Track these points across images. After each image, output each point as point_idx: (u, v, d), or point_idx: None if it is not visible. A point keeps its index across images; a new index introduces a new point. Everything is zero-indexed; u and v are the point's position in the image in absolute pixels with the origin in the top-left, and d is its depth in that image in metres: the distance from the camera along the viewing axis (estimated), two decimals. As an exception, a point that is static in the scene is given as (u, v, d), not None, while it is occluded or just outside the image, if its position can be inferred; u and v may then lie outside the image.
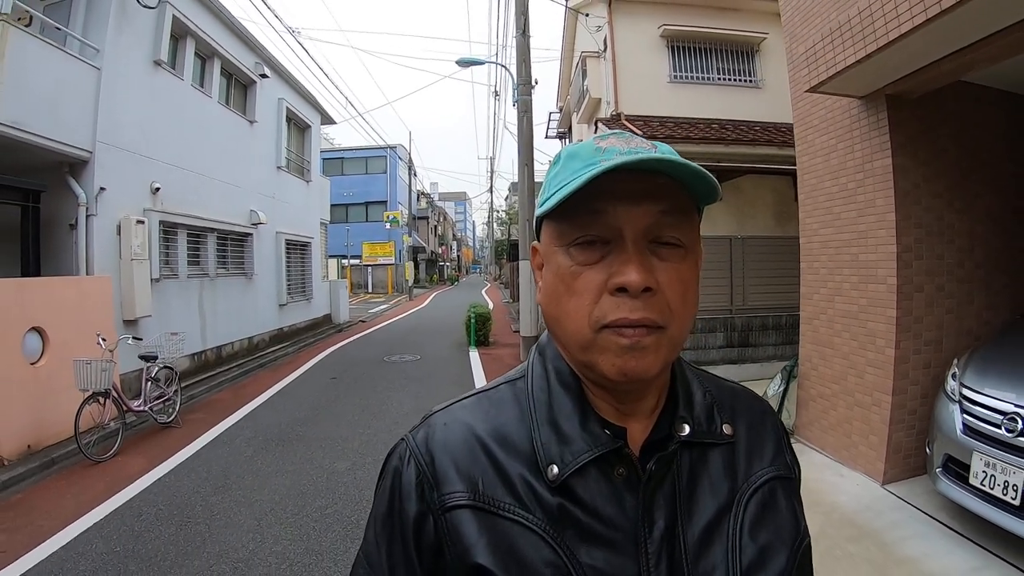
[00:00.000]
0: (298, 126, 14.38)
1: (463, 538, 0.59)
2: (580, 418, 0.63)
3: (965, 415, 3.28)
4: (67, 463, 5.36)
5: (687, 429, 0.64)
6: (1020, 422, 2.92)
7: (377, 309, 22.16)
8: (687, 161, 0.55)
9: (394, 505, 0.65)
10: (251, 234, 10.92)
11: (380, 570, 0.65)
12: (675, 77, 10.31)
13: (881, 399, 4.05)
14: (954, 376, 3.55)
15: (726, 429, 0.67)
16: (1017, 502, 2.86)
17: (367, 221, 35.45)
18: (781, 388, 5.33)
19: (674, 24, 10.22)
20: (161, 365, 6.29)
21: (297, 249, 13.67)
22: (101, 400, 5.42)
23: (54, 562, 3.51)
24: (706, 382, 0.72)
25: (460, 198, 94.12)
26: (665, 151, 0.57)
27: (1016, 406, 2.99)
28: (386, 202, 36.02)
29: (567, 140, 18.41)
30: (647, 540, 0.59)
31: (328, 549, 3.60)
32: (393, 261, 34.30)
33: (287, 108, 13.10)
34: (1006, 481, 2.91)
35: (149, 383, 6.07)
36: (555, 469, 0.60)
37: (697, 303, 0.62)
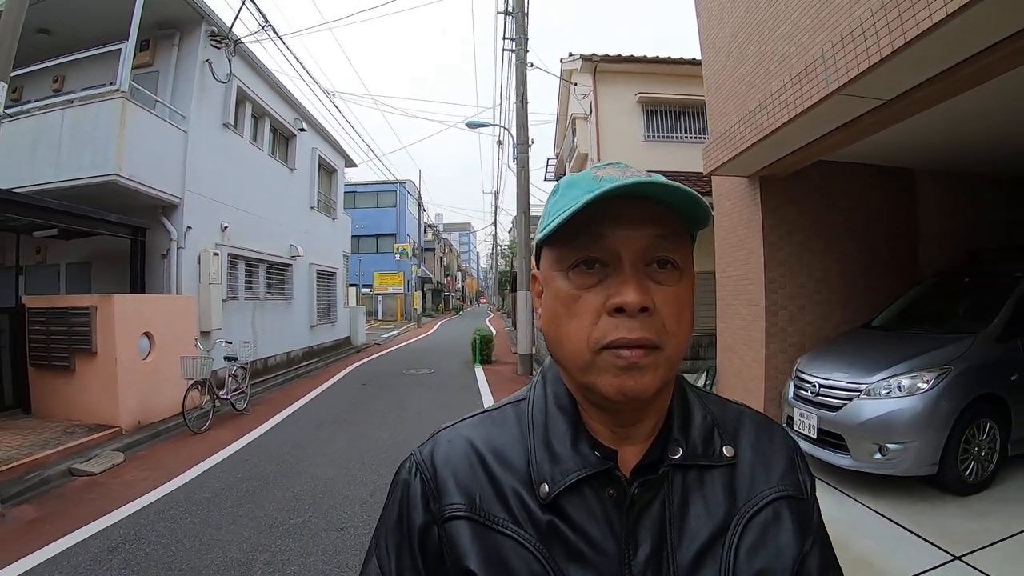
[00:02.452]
0: (326, 170, 16.45)
1: (458, 547, 0.63)
2: (572, 439, 0.65)
3: (795, 387, 5.07)
4: (169, 435, 7.16)
5: (680, 452, 0.65)
6: (817, 388, 4.71)
7: (389, 334, 24.07)
8: (680, 185, 0.58)
9: (403, 515, 0.69)
10: (291, 265, 12.90)
11: (389, 575, 0.68)
12: (648, 136, 12.36)
13: (760, 384, 5.86)
14: (796, 365, 5.36)
15: (727, 451, 0.68)
16: (814, 436, 4.64)
17: (377, 252, 37.45)
18: (708, 383, 7.13)
19: (648, 92, 12.30)
20: (239, 365, 8.13)
21: (325, 278, 15.63)
22: (200, 388, 7.25)
23: (192, 486, 5.29)
24: (709, 404, 0.73)
25: (464, 229, 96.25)
26: (658, 179, 0.59)
27: (817, 378, 4.78)
28: (395, 234, 38.05)
29: (563, 182, 20.50)
30: (631, 562, 0.60)
31: (381, 476, 5.38)
32: (402, 290, 36.23)
33: (319, 156, 15.19)
34: (809, 424, 4.70)
35: (230, 378, 7.90)
36: (546, 487, 0.63)
37: (692, 325, 0.65)
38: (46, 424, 6.92)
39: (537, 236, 0.68)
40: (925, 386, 4.08)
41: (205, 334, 9.03)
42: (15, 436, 6.46)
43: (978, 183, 6.78)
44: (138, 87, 8.30)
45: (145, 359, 7.42)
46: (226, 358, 7.92)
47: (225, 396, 7.75)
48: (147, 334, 7.49)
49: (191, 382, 7.15)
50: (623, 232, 0.60)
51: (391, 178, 25.83)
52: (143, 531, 4.23)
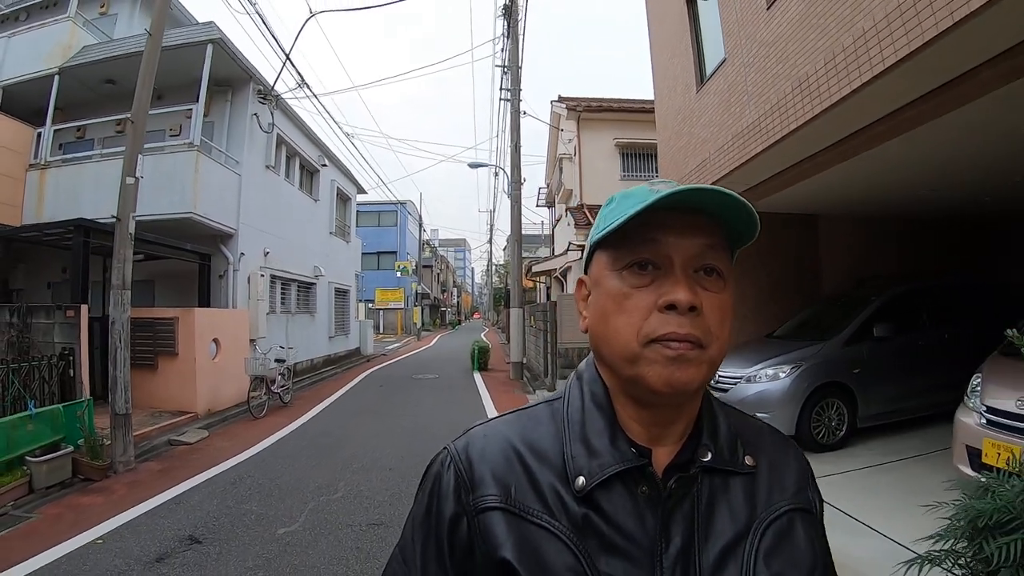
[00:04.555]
0: (342, 199, 18.44)
1: (493, 537, 0.65)
2: (610, 435, 0.68)
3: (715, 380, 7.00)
4: (235, 419, 9.03)
5: (709, 456, 0.68)
6: (716, 376, 6.63)
7: (393, 346, 25.99)
8: (737, 195, 0.62)
9: (432, 506, 0.71)
10: (315, 283, 14.85)
11: (413, 566, 0.71)
12: (624, 176, 14.42)
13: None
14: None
15: (748, 460, 0.71)
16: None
17: (378, 269, 39.14)
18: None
19: (624, 137, 14.38)
20: (285, 365, 10.02)
21: (341, 295, 17.57)
22: (259, 382, 9.14)
23: (272, 449, 7.20)
24: (732, 416, 0.76)
25: (460, 245, 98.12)
26: (718, 188, 0.63)
27: (728, 374, 6.69)
28: (396, 252, 39.95)
29: (552, 209, 22.58)
30: (663, 555, 0.63)
31: (409, 446, 7.25)
32: (402, 306, 38.07)
33: (337, 187, 17.19)
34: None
35: (279, 376, 9.78)
36: (582, 480, 0.65)
37: (731, 332, 0.67)
38: (134, 411, 8.78)
39: (593, 237, 0.71)
40: (784, 375, 6.04)
41: (253, 341, 10.92)
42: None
43: (871, 224, 8.79)
44: (206, 140, 10.25)
45: (214, 359, 9.31)
46: (276, 360, 9.80)
47: (276, 390, 9.64)
48: (215, 340, 9.38)
49: (253, 378, 9.03)
50: (675, 239, 0.64)
51: (392, 198, 27.72)
52: (250, 472, 6.14)
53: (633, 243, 0.65)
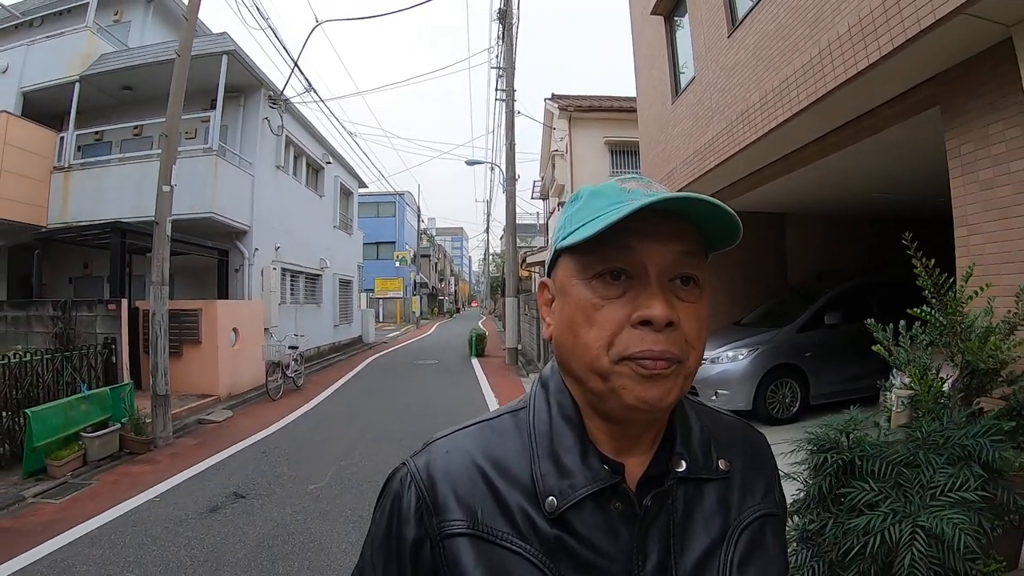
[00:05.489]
0: (345, 194, 19.23)
1: (460, 566, 0.62)
2: (580, 452, 0.64)
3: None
4: (253, 401, 9.91)
5: (684, 465, 0.66)
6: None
7: (393, 334, 26.93)
8: (722, 204, 0.59)
9: (392, 528, 0.67)
10: (320, 275, 15.69)
11: None
12: (613, 172, 15.19)
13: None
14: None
15: (722, 464, 0.70)
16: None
17: (377, 259, 39.78)
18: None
19: (613, 136, 15.18)
20: (298, 352, 10.89)
21: (344, 285, 18.43)
22: (275, 367, 10.02)
23: (293, 425, 8.09)
24: (703, 416, 0.74)
25: (457, 233, 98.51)
26: (702, 196, 0.59)
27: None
28: (395, 242, 40.67)
29: (547, 202, 23.41)
30: (640, 573, 0.62)
31: (416, 421, 8.12)
32: (401, 295, 38.91)
33: (340, 183, 17.97)
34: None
35: (293, 362, 10.65)
36: (554, 501, 0.62)
37: (706, 341, 0.66)
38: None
39: (559, 243, 0.66)
40: (742, 357, 6.91)
41: (267, 330, 11.77)
42: (144, 402, 9.18)
43: (835, 221, 9.64)
44: (223, 145, 11.04)
45: (233, 346, 10.16)
46: (289, 347, 10.66)
47: (290, 375, 10.51)
48: (235, 329, 10.23)
49: (269, 363, 9.90)
50: (651, 246, 0.60)
51: (392, 192, 28.53)
52: (277, 444, 7.03)
53: (604, 249, 0.61)
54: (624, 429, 0.66)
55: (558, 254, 0.67)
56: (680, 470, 0.66)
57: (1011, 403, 2.57)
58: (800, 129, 4.92)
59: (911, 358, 2.74)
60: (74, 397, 6.65)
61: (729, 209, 0.60)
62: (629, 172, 15.67)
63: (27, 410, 5.96)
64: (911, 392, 2.62)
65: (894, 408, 2.70)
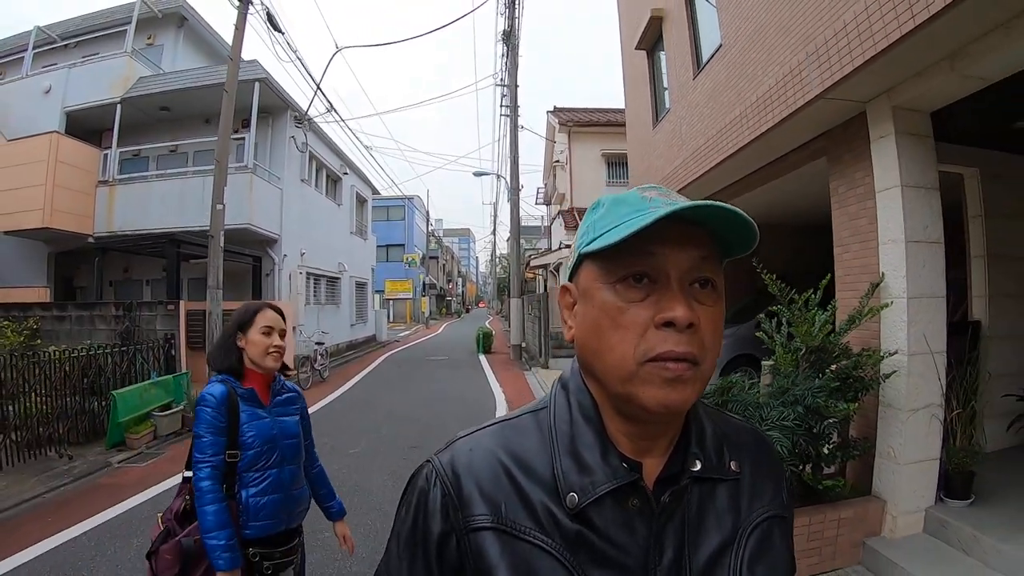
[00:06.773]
0: (360, 201, 20.57)
1: (486, 559, 0.64)
2: (601, 450, 0.66)
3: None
4: (286, 392, 11.19)
5: (699, 465, 0.68)
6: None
7: (403, 334, 28.34)
8: (741, 211, 0.61)
9: (418, 523, 0.70)
10: (339, 278, 17.03)
11: None
12: (610, 182, 16.46)
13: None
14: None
15: (733, 466, 0.72)
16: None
17: (387, 261, 40.80)
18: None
19: (609, 149, 16.42)
20: (324, 347, 12.20)
21: (360, 287, 19.79)
22: (305, 360, 11.33)
23: (324, 408, 9.38)
24: (716, 419, 0.76)
25: (464, 234, 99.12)
26: (723, 204, 0.61)
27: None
28: (404, 245, 41.94)
29: (549, 207, 24.68)
30: (656, 567, 0.64)
31: (431, 408, 9.37)
32: (411, 296, 40.18)
33: (356, 192, 19.30)
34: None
35: (319, 356, 11.96)
36: (575, 497, 0.64)
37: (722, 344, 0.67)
38: (202, 384, 10.97)
39: (583, 248, 0.68)
40: (707, 348, 8.13)
41: (295, 328, 13.07)
42: (199, 387, 10.50)
43: (802, 231, 10.81)
44: (257, 163, 12.36)
45: (267, 343, 11.44)
46: (316, 343, 11.99)
47: (317, 368, 11.83)
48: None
49: (299, 357, 11.21)
50: (672, 251, 0.62)
51: (402, 196, 29.80)
52: (317, 421, 8.21)
53: (628, 255, 0.62)
54: (644, 429, 0.67)
55: (581, 259, 0.69)
56: (695, 469, 0.68)
57: (839, 372, 3.82)
58: (742, 163, 6.15)
59: (780, 341, 4.01)
60: (147, 383, 7.97)
61: (747, 216, 0.62)
62: (623, 182, 16.94)
63: (113, 392, 7.27)
64: (771, 363, 3.89)
65: (763, 373, 3.96)
